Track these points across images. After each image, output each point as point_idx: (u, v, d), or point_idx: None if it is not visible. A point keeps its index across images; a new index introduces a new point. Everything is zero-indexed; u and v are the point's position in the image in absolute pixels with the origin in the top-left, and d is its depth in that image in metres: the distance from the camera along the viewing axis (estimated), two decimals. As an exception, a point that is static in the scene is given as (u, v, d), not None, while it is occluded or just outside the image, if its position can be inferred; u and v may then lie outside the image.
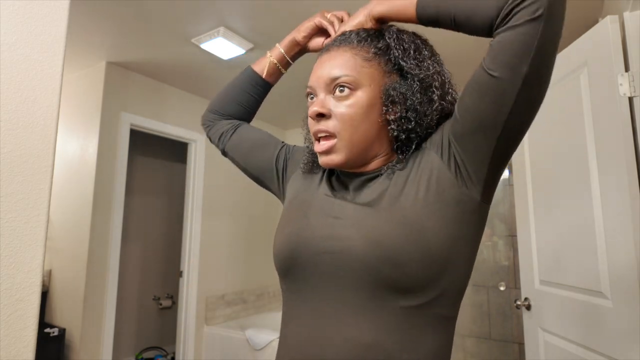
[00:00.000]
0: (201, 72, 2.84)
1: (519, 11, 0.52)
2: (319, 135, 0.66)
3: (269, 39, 2.33)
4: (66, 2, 1.00)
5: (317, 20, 0.80)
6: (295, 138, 4.27)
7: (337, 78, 0.64)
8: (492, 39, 0.56)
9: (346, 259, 0.60)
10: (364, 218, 0.62)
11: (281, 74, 0.91)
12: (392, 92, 0.65)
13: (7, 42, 0.88)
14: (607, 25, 1.31)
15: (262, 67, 0.89)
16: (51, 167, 0.94)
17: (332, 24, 0.78)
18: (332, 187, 0.73)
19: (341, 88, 0.64)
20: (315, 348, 0.60)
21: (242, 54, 2.51)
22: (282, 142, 0.87)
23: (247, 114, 0.92)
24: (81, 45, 2.44)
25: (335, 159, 0.65)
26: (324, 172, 0.77)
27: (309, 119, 0.69)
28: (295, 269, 0.65)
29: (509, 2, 0.52)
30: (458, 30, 0.61)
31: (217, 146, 0.91)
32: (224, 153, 0.91)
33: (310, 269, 0.63)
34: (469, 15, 0.57)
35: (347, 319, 0.59)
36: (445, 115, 0.67)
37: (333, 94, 0.66)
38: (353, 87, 0.64)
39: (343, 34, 0.70)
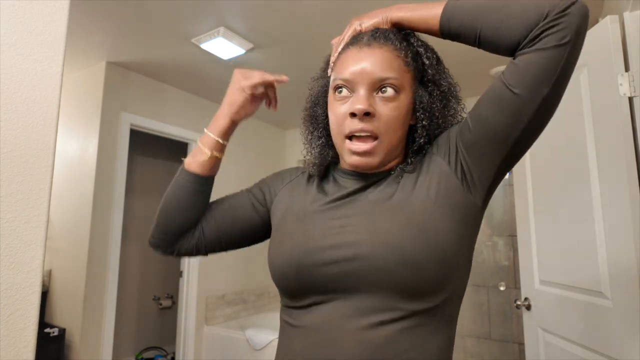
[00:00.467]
0: (201, 72, 2.84)
1: (547, 35, 0.53)
2: (359, 134, 0.62)
3: (269, 39, 2.33)
4: (66, 2, 1.00)
5: (247, 92, 0.75)
6: (295, 138, 4.27)
7: (386, 79, 0.62)
8: (512, 57, 0.57)
9: (361, 265, 0.58)
10: (374, 222, 0.61)
11: (220, 160, 0.80)
12: (424, 100, 0.66)
13: (7, 42, 0.88)
14: (607, 25, 1.31)
15: (202, 166, 0.76)
16: (51, 167, 0.93)
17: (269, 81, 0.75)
18: (327, 192, 0.70)
19: (385, 89, 0.62)
20: (327, 351, 0.59)
21: (242, 54, 2.51)
22: (246, 191, 0.81)
23: (202, 214, 0.79)
24: (81, 45, 2.44)
25: (372, 161, 0.63)
26: (309, 179, 0.75)
27: (343, 115, 0.64)
28: (303, 283, 0.62)
29: (540, 25, 0.53)
30: (479, 47, 0.61)
31: (197, 256, 0.81)
32: (208, 254, 0.81)
33: (320, 279, 0.61)
34: (496, 34, 0.57)
35: (361, 322, 0.58)
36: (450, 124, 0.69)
37: (376, 93, 0.63)
38: (399, 90, 0.63)
39: (378, 29, 0.66)
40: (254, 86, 0.75)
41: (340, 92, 0.65)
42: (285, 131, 4.39)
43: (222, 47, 2.39)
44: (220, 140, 0.76)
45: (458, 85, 0.70)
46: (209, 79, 2.96)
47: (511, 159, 0.60)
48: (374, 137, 0.62)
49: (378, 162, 0.64)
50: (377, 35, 0.65)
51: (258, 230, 0.79)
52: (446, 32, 0.63)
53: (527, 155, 1.76)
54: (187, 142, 3.28)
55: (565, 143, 1.50)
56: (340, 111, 0.64)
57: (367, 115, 0.61)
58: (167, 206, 0.77)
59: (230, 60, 2.60)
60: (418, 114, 0.66)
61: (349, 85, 0.64)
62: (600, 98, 1.33)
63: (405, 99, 0.64)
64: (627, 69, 1.27)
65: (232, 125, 0.77)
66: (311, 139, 0.75)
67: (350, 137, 0.64)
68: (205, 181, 0.77)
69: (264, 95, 0.79)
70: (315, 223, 0.65)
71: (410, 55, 0.65)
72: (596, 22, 1.45)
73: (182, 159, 0.80)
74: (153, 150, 4.08)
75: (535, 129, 0.58)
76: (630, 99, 1.25)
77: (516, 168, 1.83)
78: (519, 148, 0.59)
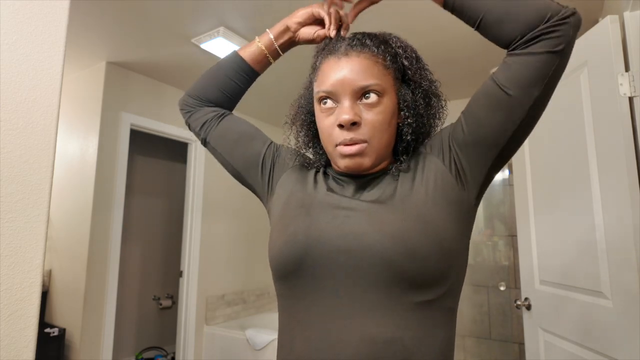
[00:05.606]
0: (201, 72, 2.82)
1: (543, 40, 0.57)
2: (349, 142, 0.64)
3: (269, 39, 2.33)
4: (66, 2, 1.00)
5: (316, 10, 0.77)
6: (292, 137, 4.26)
7: (367, 86, 0.64)
8: (507, 56, 0.60)
9: (365, 256, 0.60)
10: (377, 214, 0.62)
11: (269, 63, 0.85)
12: (407, 99, 0.68)
13: (7, 41, 0.88)
14: (607, 25, 1.31)
15: (249, 53, 0.83)
16: (51, 167, 0.93)
17: (330, 15, 0.74)
18: (330, 186, 0.72)
19: (368, 95, 0.64)
20: (329, 350, 0.59)
21: (242, 54, 2.51)
22: (270, 140, 0.84)
23: (229, 102, 0.87)
24: (81, 45, 2.44)
25: (364, 163, 0.65)
26: (315, 172, 0.77)
27: (331, 127, 0.66)
28: (302, 270, 0.63)
29: (540, 28, 0.57)
30: (476, 29, 0.64)
31: (198, 135, 0.85)
32: (205, 143, 0.85)
33: (321, 269, 0.62)
34: (498, 23, 0.60)
35: (363, 318, 0.59)
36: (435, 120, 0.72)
37: (360, 101, 0.65)
38: (381, 94, 0.65)
39: (356, 38, 0.68)
40: (319, 11, 0.76)
41: (325, 103, 0.67)
42: (283, 130, 4.38)
43: (222, 47, 2.38)
44: (272, 38, 0.81)
45: (438, 81, 0.72)
46: (209, 79, 2.96)
47: (503, 157, 0.64)
48: (364, 141, 0.64)
49: (370, 164, 0.66)
50: (353, 43, 0.67)
51: (247, 166, 0.81)
52: (450, 6, 0.65)
53: (527, 156, 1.76)
54: (187, 142, 3.28)
55: (566, 143, 1.50)
56: (327, 123, 0.66)
57: (354, 124, 0.63)
58: (205, 75, 0.87)
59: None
60: (402, 112, 0.68)
61: (332, 96, 0.66)
62: (600, 98, 1.33)
63: (388, 101, 0.65)
64: (627, 69, 1.27)
65: (285, 28, 0.80)
66: (303, 142, 0.79)
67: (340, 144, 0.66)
68: (246, 68, 0.83)
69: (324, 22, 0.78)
70: (319, 211, 0.67)
71: (389, 57, 0.67)
72: (596, 22, 1.45)
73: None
74: (153, 150, 4.08)
75: (526, 128, 0.61)
76: (630, 99, 1.25)
77: (516, 168, 1.83)
78: (511, 146, 0.62)
